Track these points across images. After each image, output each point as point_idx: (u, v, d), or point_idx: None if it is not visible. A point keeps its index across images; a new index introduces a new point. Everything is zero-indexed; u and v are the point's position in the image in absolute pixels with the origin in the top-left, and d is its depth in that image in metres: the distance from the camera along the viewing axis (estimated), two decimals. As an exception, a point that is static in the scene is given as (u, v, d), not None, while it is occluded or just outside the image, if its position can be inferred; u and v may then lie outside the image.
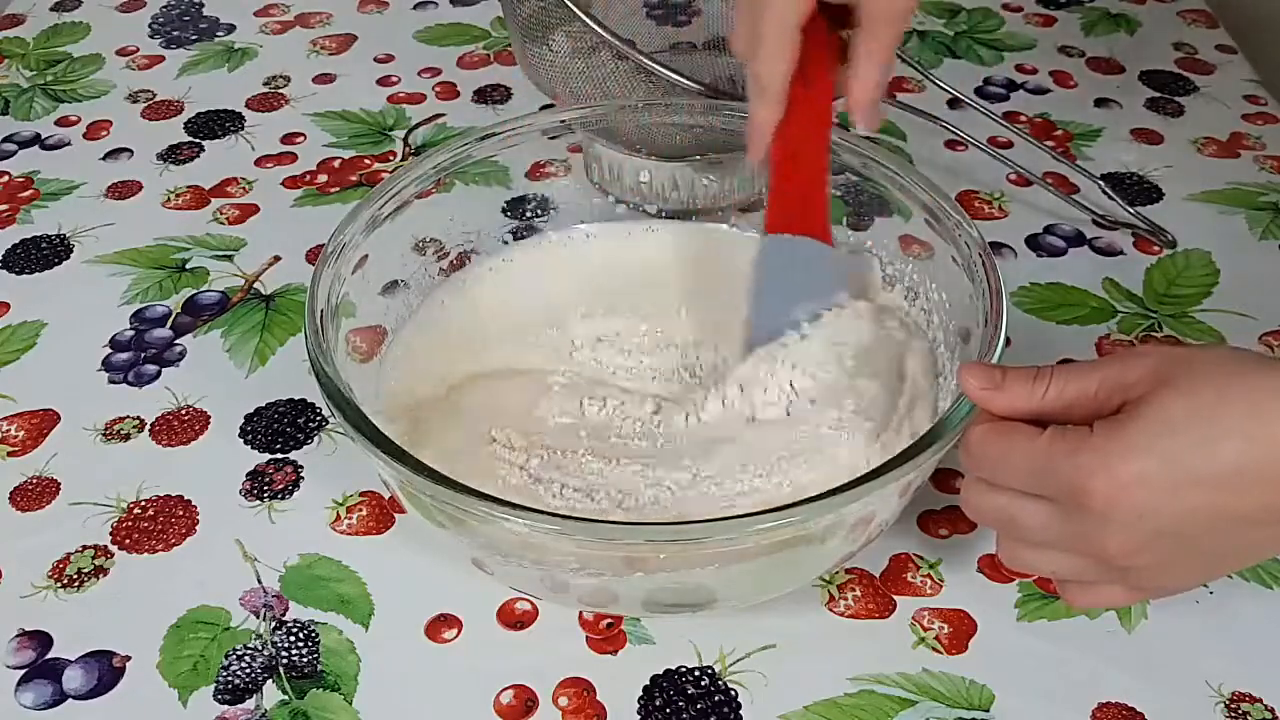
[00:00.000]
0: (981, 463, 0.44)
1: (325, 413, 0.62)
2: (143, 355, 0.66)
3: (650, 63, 0.64)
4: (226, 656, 0.51)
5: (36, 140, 0.84)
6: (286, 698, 0.50)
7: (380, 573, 0.55)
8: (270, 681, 0.50)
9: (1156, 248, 0.72)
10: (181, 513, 0.57)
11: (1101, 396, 0.42)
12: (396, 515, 0.57)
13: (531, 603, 0.53)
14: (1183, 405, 0.39)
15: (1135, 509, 0.39)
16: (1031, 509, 0.43)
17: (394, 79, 0.90)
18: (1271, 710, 0.49)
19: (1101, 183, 0.74)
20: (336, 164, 0.81)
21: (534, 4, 0.69)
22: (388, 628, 0.52)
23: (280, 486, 0.59)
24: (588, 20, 0.64)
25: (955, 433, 0.46)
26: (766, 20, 0.49)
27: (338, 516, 0.57)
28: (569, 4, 0.64)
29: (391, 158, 0.82)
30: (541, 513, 0.44)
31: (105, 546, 0.56)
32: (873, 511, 0.47)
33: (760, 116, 0.52)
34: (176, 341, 0.67)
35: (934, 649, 0.51)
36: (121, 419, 0.62)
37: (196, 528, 0.57)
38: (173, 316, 0.69)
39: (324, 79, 0.90)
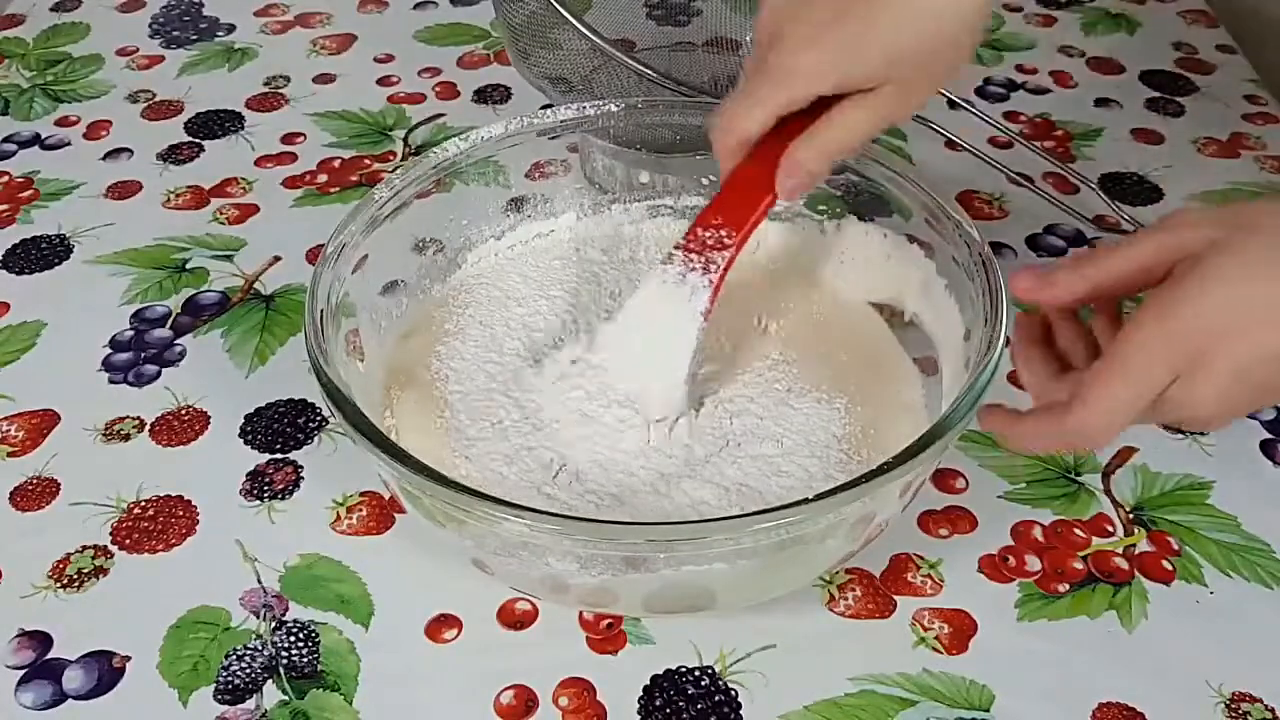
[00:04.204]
0: (1119, 417, 0.43)
1: (325, 413, 0.62)
2: (143, 355, 0.66)
3: (643, 67, 0.64)
4: (226, 657, 0.51)
5: (36, 140, 0.84)
6: (286, 698, 0.50)
7: (380, 573, 0.55)
8: (270, 681, 0.50)
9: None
10: (181, 513, 0.57)
11: (1154, 264, 0.43)
12: (396, 515, 0.57)
13: (531, 603, 0.53)
14: (1254, 249, 0.40)
15: (1228, 351, 0.40)
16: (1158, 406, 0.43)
17: (394, 79, 0.90)
18: (1272, 710, 0.49)
19: (1096, 186, 0.74)
20: (336, 164, 0.81)
21: (528, 9, 0.69)
22: (388, 628, 0.52)
23: (280, 486, 0.59)
24: (581, 27, 0.64)
25: (956, 432, 0.46)
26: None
27: (338, 516, 0.57)
28: (563, 11, 0.64)
29: (391, 158, 0.82)
30: (541, 513, 0.44)
31: (105, 546, 0.56)
32: (873, 511, 0.47)
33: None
34: (176, 341, 0.67)
35: (934, 649, 0.51)
36: (121, 419, 0.62)
37: (196, 528, 0.57)
38: (173, 317, 0.69)
39: (324, 79, 0.90)
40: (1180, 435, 0.60)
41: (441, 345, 0.59)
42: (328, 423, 0.62)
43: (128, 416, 0.63)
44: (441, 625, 0.52)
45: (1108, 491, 0.58)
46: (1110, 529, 0.56)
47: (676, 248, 0.54)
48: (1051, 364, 0.47)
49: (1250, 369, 0.41)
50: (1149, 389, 0.42)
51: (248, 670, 0.51)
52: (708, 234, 0.54)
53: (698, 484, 0.52)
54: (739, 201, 0.53)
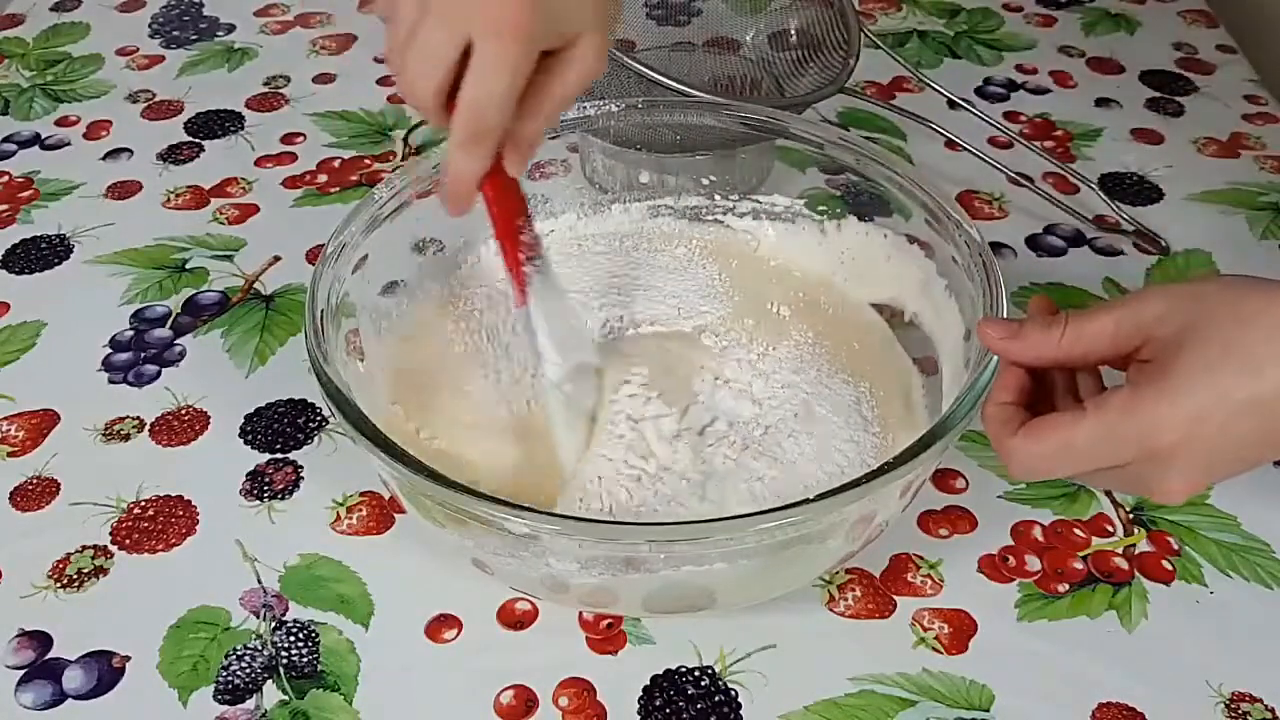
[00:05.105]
0: (1037, 471, 0.44)
1: (325, 413, 0.62)
2: (143, 355, 0.66)
3: (643, 67, 0.64)
4: (226, 656, 0.51)
5: (36, 140, 0.84)
6: (286, 698, 0.50)
7: (380, 573, 0.55)
8: (270, 681, 0.50)
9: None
10: (181, 513, 0.57)
11: (1120, 337, 0.44)
12: (396, 515, 0.57)
13: (531, 603, 0.53)
14: (1216, 342, 0.41)
15: (1200, 449, 0.42)
16: (1100, 477, 0.44)
17: (394, 79, 0.90)
18: (1271, 710, 0.49)
19: (1096, 187, 0.74)
20: (336, 164, 0.81)
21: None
22: (388, 628, 0.52)
23: (280, 486, 0.59)
24: None
25: (956, 432, 0.46)
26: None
27: (338, 516, 0.57)
28: None
29: (391, 158, 0.82)
30: (542, 512, 0.44)
31: (105, 546, 0.56)
32: (873, 511, 0.47)
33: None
34: (176, 341, 0.67)
35: (934, 649, 0.51)
36: (121, 419, 0.62)
37: (196, 528, 0.57)
38: (173, 316, 0.69)
39: (324, 79, 0.90)
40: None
41: (452, 354, 0.59)
42: (328, 423, 0.62)
43: (128, 416, 0.63)
44: (441, 625, 0.52)
45: (1107, 491, 0.58)
46: (1110, 529, 0.56)
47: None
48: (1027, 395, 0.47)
49: (1212, 465, 0.42)
50: (1086, 465, 0.43)
51: (248, 670, 0.51)
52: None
53: (751, 460, 0.53)
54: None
